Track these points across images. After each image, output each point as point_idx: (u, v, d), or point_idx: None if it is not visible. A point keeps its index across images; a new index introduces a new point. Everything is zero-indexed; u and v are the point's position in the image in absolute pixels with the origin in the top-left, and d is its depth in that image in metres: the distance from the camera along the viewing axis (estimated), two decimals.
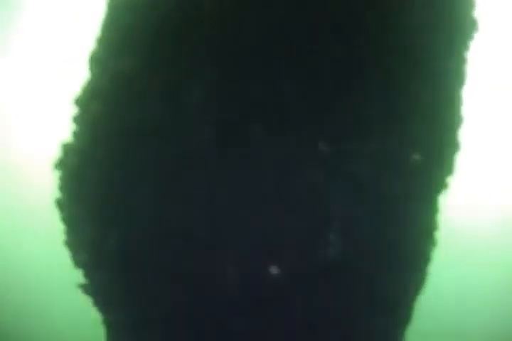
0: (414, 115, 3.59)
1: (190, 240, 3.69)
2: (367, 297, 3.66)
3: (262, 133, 3.45)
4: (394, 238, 3.68)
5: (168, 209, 3.76)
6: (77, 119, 3.88)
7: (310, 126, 3.48)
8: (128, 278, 3.91)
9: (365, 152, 3.45)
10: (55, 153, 4.02)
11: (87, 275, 4.28)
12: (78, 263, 4.24)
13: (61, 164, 3.99)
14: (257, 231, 3.48)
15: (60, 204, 4.13)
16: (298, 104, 3.53)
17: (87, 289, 4.32)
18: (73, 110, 3.90)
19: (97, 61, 3.87)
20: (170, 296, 3.81)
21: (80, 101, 3.85)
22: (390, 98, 3.52)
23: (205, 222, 3.64)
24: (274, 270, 3.47)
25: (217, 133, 3.58)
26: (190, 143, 3.64)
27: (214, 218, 3.61)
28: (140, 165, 3.74)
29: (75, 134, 3.90)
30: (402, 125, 3.54)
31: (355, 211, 3.51)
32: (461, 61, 3.90)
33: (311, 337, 3.61)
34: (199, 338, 3.76)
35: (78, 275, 4.44)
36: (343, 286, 3.54)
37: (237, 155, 3.56)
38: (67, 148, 3.96)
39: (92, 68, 3.87)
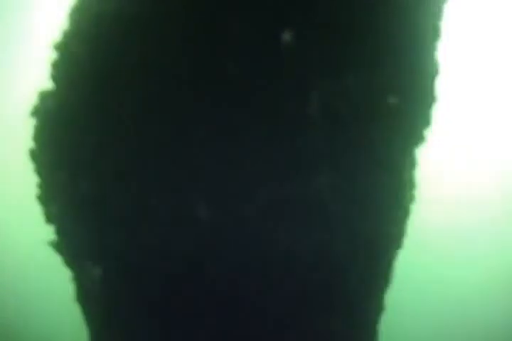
0: (391, 59, 3.63)
1: (162, 183, 3.65)
2: (340, 240, 3.60)
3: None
4: (367, 183, 3.66)
5: (143, 154, 3.73)
6: (55, 63, 3.87)
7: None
8: (99, 226, 3.82)
9: (341, 89, 3.47)
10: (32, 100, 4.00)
11: (58, 231, 4.18)
12: (49, 217, 4.15)
13: (37, 111, 3.96)
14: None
15: (34, 155, 4.07)
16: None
17: (58, 246, 4.22)
18: (52, 54, 3.90)
19: (79, 7, 3.90)
20: (142, 244, 3.72)
21: (59, 45, 3.85)
22: (367, 40, 3.57)
23: (177, 162, 3.60)
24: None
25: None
26: (169, 84, 3.65)
27: (185, 158, 3.58)
28: (118, 107, 3.72)
29: (53, 78, 3.88)
30: (379, 67, 3.58)
31: (328, 150, 3.51)
32: (436, 17, 3.99)
33: (285, 280, 3.53)
34: (173, 286, 3.64)
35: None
36: (316, 224, 3.50)
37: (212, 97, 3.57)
38: (43, 95, 3.93)
39: (72, 14, 3.90)
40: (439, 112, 4.00)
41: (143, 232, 3.65)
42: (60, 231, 4.16)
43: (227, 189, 3.46)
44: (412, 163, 3.99)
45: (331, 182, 3.53)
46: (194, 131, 3.56)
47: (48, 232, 4.31)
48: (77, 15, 3.82)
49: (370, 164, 3.70)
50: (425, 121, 3.93)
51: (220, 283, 3.50)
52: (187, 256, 3.59)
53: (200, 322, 3.62)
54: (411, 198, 4.00)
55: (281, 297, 3.66)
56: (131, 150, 3.69)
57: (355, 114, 3.54)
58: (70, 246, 4.10)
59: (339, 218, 3.63)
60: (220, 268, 3.51)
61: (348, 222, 3.64)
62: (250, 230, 3.48)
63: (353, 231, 3.68)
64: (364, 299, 3.93)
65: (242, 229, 3.49)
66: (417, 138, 3.94)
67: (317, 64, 3.43)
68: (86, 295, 4.12)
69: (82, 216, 3.87)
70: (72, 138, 3.85)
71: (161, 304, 3.74)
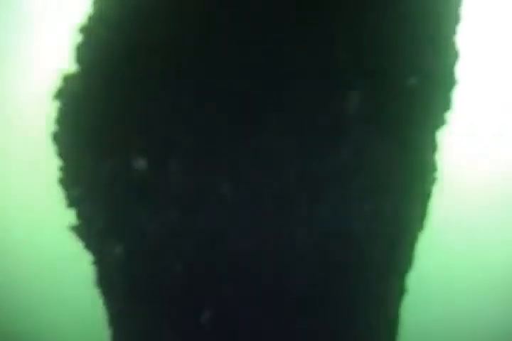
0: (411, 40, 3.67)
1: (187, 161, 3.68)
2: (360, 218, 3.64)
3: None
4: (388, 162, 3.70)
5: (168, 133, 3.76)
6: (80, 46, 3.92)
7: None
8: (123, 204, 3.85)
9: (363, 69, 3.51)
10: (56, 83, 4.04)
11: (79, 214, 4.21)
12: (71, 200, 4.17)
13: (61, 93, 4.00)
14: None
15: (56, 138, 4.10)
16: None
17: (79, 231, 4.25)
18: (77, 38, 3.94)
19: None
20: (166, 220, 3.75)
21: (84, 28, 3.90)
22: (388, 21, 3.61)
23: (202, 140, 3.63)
24: None
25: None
26: (195, 66, 3.69)
27: (210, 137, 3.62)
28: (143, 88, 3.76)
29: (77, 61, 3.92)
30: (399, 46, 3.62)
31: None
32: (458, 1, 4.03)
33: (306, 257, 3.56)
34: (196, 262, 3.67)
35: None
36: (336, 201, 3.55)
37: None
38: (68, 77, 3.97)
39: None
40: (459, 97, 4.04)
41: (167, 209, 3.68)
42: (81, 214, 4.21)
43: (251, 165, 3.49)
44: (433, 146, 4.02)
45: (351, 159, 3.56)
46: (221, 111, 3.60)
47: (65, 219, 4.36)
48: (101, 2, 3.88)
49: (391, 143, 3.73)
50: (446, 104, 3.96)
51: (243, 260, 3.52)
52: (210, 234, 3.61)
53: (223, 297, 3.64)
54: (432, 180, 4.03)
55: (302, 273, 3.68)
56: (156, 130, 3.72)
57: (376, 93, 3.59)
58: (92, 228, 4.14)
59: (360, 196, 3.66)
60: (243, 245, 3.53)
61: (369, 199, 3.67)
62: (273, 204, 3.52)
63: (374, 209, 3.70)
64: (385, 280, 3.93)
65: (263, 204, 3.52)
66: (438, 121, 3.97)
67: (340, 42, 3.47)
68: (107, 278, 4.14)
69: (106, 196, 3.90)
70: (97, 120, 3.90)
71: (184, 281, 3.76)
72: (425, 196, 3.98)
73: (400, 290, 4.03)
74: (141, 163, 3.69)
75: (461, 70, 3.98)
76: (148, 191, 3.69)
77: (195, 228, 3.62)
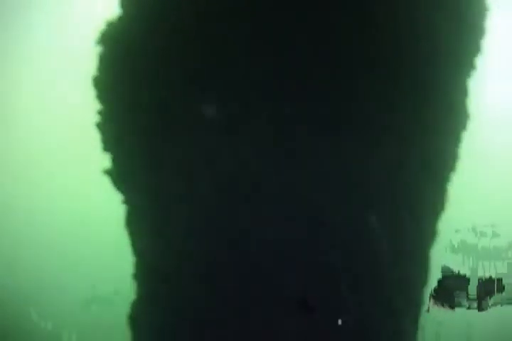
0: None
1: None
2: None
3: None
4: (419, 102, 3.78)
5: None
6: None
7: None
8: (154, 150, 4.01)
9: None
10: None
11: (113, 158, 4.32)
12: (106, 144, 4.30)
13: (104, 38, 4.21)
14: None
15: (96, 82, 4.29)
16: None
17: (111, 173, 4.35)
18: None
19: None
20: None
21: None
22: None
23: None
24: None
25: None
26: None
27: None
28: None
29: (121, 6, 4.17)
30: None
31: None
32: None
33: None
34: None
35: None
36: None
37: None
38: (110, 22, 4.20)
39: None
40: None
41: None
42: (114, 158, 4.31)
43: None
44: (463, 91, 4.06)
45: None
46: None
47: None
48: None
49: (420, 84, 3.80)
50: (477, 50, 4.03)
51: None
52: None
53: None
54: (462, 122, 4.03)
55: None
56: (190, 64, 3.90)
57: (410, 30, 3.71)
58: (123, 169, 4.23)
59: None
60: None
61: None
62: None
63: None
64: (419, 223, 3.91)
65: None
66: (469, 66, 4.03)
67: None
68: (137, 216, 4.19)
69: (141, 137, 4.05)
70: (134, 60, 4.09)
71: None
72: (454, 140, 3.98)
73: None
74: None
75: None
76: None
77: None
